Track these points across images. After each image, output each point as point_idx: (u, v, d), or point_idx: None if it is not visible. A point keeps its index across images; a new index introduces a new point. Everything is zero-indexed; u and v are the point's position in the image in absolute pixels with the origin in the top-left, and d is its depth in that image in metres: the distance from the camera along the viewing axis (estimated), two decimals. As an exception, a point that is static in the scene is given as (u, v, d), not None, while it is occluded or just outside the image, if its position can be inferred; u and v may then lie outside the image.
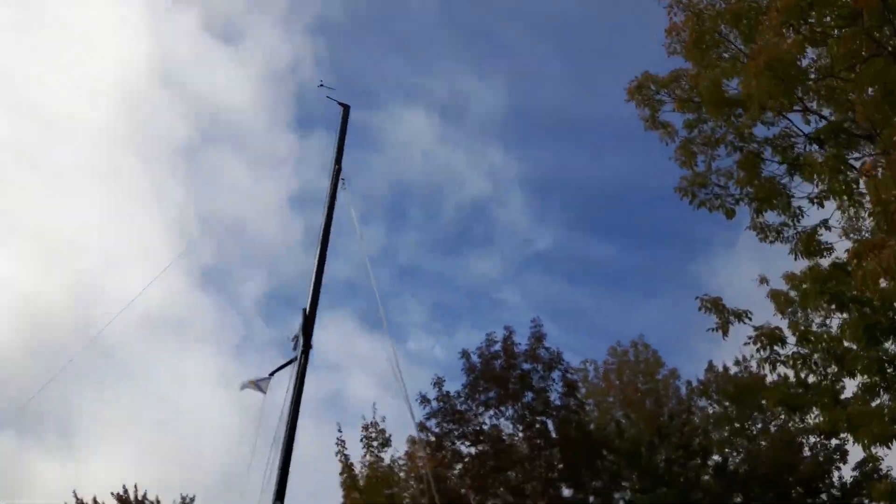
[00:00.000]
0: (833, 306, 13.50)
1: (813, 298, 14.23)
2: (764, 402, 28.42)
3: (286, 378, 11.24)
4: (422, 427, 27.92)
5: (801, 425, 27.53)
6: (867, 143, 12.81)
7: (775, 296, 20.37)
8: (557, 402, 28.09)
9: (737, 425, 28.83)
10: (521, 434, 28.02)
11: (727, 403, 29.61)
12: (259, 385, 10.79)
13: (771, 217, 14.79)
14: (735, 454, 28.54)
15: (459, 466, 27.82)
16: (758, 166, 13.65)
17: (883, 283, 9.12)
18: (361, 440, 23.55)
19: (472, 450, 27.69)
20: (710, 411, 29.76)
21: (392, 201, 68.30)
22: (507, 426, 28.22)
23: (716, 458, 28.72)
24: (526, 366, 28.06)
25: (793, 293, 16.25)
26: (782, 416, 28.22)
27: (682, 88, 13.82)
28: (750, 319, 14.74)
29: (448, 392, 27.92)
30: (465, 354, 28.73)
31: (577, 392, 28.14)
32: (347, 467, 23.41)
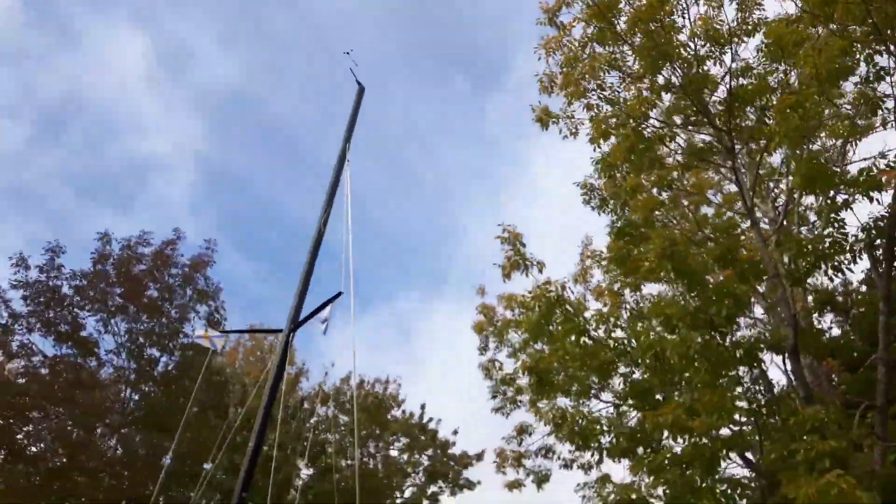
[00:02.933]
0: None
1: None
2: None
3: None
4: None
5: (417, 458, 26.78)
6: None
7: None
8: (184, 342, 23.09)
9: (348, 440, 26.72)
10: (124, 358, 22.17)
11: (344, 417, 27.46)
12: (213, 340, 11.45)
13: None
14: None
15: (22, 366, 20.79)
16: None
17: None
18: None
19: (53, 351, 20.97)
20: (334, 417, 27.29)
21: (57, 106, 55.70)
22: (109, 342, 22.19)
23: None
24: (174, 281, 22.73)
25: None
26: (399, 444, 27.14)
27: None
28: (541, 272, 12.79)
29: (61, 266, 21.12)
30: (104, 237, 22.39)
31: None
32: None
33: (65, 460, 18.93)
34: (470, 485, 28.03)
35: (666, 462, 9.02)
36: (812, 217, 12.31)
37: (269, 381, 9.47)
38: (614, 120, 10.47)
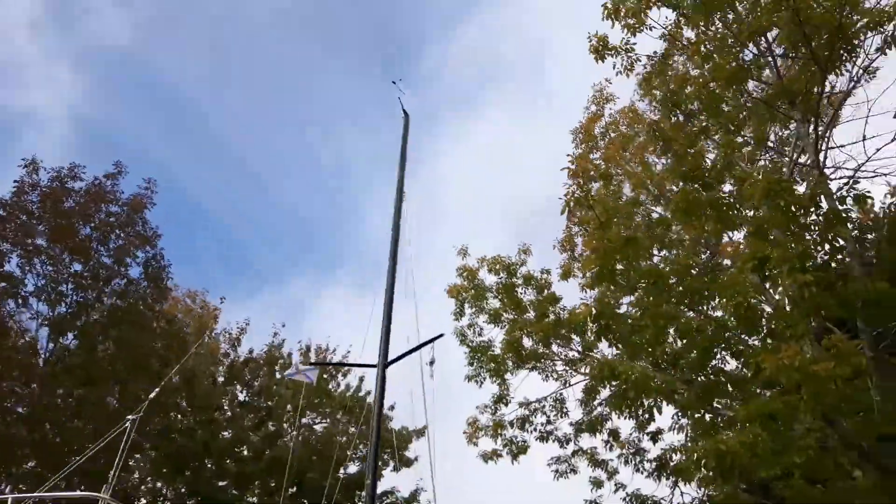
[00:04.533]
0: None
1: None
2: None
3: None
4: None
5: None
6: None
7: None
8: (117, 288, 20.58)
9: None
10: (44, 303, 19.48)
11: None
12: (307, 374, 12.76)
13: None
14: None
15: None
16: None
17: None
18: None
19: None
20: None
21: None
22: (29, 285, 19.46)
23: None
24: (114, 220, 20.21)
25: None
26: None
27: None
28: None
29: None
30: (30, 164, 19.60)
31: (165, 290, 20.87)
32: None
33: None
34: (408, 462, 26.90)
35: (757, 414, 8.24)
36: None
37: (372, 417, 10.64)
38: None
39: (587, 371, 18.24)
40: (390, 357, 11.55)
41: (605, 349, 18.14)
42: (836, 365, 7.37)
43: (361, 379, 27.79)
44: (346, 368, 26.73)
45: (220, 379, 23.03)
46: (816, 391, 7.15)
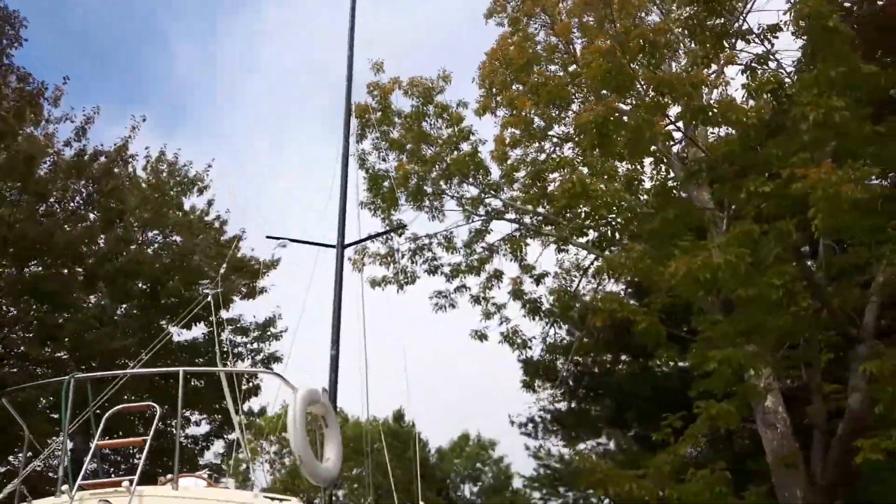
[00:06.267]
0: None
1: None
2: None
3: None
4: None
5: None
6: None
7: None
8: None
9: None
10: None
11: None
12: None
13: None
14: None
15: None
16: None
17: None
18: None
19: None
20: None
21: None
22: None
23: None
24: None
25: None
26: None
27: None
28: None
29: None
30: None
31: (17, 37, 16.99)
32: None
33: None
34: (253, 293, 25.88)
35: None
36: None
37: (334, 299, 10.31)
38: None
39: (482, 212, 18.52)
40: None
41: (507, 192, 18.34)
42: (858, 188, 7.93)
43: (210, 203, 25.81)
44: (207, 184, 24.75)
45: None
46: (833, 210, 7.76)
